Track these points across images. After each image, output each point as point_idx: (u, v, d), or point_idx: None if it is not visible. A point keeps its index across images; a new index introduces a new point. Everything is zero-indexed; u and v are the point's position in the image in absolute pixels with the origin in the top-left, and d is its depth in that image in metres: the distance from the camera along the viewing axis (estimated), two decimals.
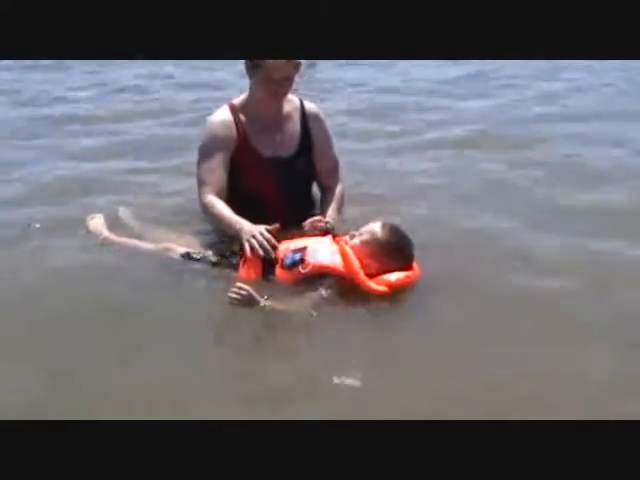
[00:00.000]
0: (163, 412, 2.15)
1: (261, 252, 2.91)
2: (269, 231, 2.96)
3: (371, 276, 2.85)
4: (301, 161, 3.39)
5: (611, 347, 2.49)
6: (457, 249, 3.24)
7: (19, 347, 2.53)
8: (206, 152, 3.31)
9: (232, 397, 2.28)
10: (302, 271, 2.86)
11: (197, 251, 3.09)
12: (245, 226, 3.02)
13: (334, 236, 3.03)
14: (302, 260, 2.88)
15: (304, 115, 3.43)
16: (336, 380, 2.31)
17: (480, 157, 4.53)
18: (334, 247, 2.93)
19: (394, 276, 2.86)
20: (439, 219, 3.57)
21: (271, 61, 3.12)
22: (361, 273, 2.83)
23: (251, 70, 3.21)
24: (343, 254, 2.87)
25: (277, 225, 2.98)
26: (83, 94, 6.40)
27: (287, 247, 2.96)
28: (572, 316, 2.71)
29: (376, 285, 2.82)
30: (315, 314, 2.70)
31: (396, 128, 5.20)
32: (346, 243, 2.93)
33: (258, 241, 2.92)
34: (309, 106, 3.47)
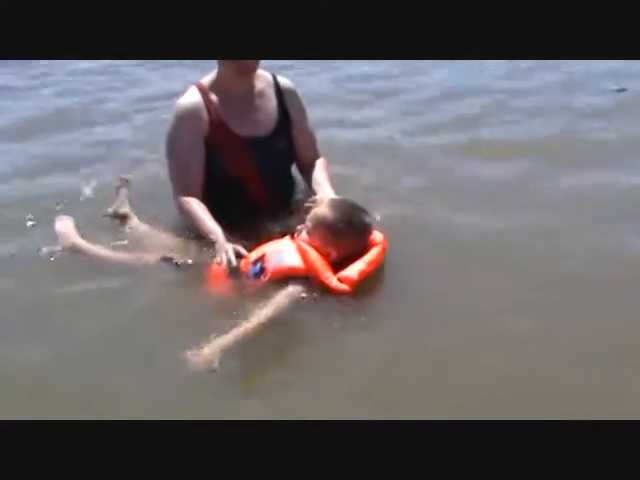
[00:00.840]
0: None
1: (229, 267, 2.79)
2: (245, 247, 2.86)
3: (338, 264, 2.73)
4: (280, 139, 3.28)
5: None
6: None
7: None
8: (177, 143, 3.18)
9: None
10: (264, 280, 2.73)
11: (174, 256, 2.92)
12: (220, 240, 2.91)
13: (292, 234, 2.88)
14: (263, 269, 2.75)
15: (279, 91, 3.32)
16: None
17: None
18: (293, 245, 2.78)
19: (355, 269, 2.70)
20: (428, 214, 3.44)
21: None
22: (322, 268, 2.68)
23: None
24: (301, 252, 2.73)
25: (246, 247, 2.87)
26: None
27: (247, 260, 2.82)
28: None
29: (339, 283, 2.67)
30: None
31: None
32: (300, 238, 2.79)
33: (228, 259, 2.81)
34: (283, 81, 3.36)
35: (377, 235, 2.85)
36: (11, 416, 2.08)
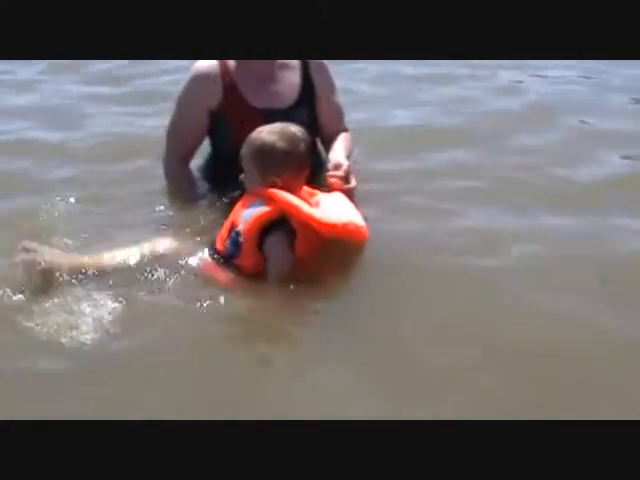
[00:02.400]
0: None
1: None
2: None
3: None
4: (300, 113, 3.11)
5: None
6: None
7: None
8: (182, 106, 3.16)
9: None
10: (243, 241, 2.61)
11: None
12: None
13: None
14: (237, 234, 2.63)
15: (305, 63, 3.20)
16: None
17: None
18: (254, 197, 2.68)
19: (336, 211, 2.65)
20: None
21: None
22: (298, 202, 2.58)
23: None
24: (266, 195, 2.61)
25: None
26: None
27: (220, 242, 2.71)
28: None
29: (322, 216, 2.57)
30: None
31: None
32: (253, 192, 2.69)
33: None
34: None
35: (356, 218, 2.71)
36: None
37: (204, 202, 3.15)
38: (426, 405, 2.17)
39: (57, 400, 2.22)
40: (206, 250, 2.76)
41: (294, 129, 2.70)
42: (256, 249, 2.63)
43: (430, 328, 2.49)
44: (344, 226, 2.63)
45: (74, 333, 2.44)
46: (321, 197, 2.82)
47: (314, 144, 3.18)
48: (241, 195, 2.81)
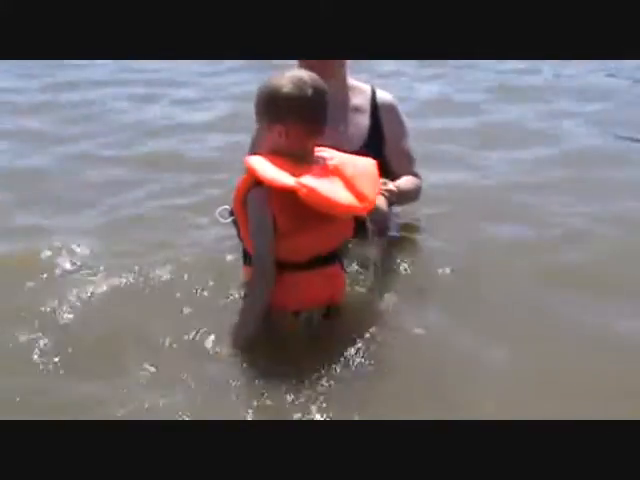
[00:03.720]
0: None
1: None
2: None
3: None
4: (369, 155, 2.94)
5: None
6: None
7: None
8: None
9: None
10: (236, 217, 2.52)
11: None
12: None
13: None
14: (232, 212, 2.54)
15: (375, 106, 3.15)
16: None
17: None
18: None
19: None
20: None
21: None
22: (274, 171, 2.40)
23: None
24: (250, 163, 2.46)
25: None
26: None
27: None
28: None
29: (300, 184, 2.36)
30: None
31: None
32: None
33: None
34: (382, 95, 3.18)
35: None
36: None
37: None
38: None
39: None
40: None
41: (305, 74, 2.51)
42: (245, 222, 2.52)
43: None
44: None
45: None
46: (338, 160, 2.59)
47: None
48: None
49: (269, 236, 2.45)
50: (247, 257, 2.61)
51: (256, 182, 2.45)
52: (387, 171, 3.06)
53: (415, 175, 3.22)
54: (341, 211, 2.47)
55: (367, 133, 3.13)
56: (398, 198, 2.98)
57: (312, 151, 2.58)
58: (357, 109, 3.15)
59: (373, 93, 3.18)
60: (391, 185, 2.91)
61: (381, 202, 2.78)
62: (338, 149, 2.84)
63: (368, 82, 3.26)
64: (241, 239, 2.59)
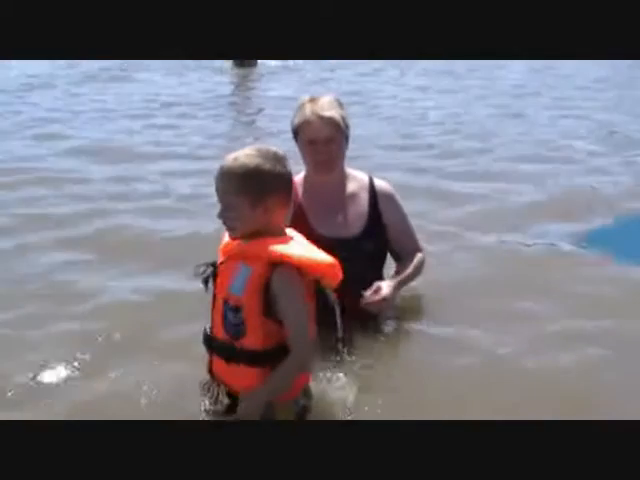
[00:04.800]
0: None
1: None
2: None
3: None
4: (367, 242, 3.15)
5: None
6: None
7: None
8: None
9: None
10: (245, 315, 2.34)
11: None
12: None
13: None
14: (236, 310, 2.35)
15: (374, 194, 3.24)
16: None
17: None
18: (232, 265, 2.40)
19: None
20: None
21: (303, 120, 3.02)
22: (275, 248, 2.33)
23: (296, 140, 3.10)
24: (243, 254, 2.38)
25: None
26: None
27: (217, 328, 2.44)
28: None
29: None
30: None
31: None
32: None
33: None
34: (379, 184, 3.28)
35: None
36: None
37: None
38: None
39: None
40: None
41: (272, 148, 2.45)
42: (262, 317, 2.36)
43: None
44: (332, 265, 2.44)
45: None
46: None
47: (380, 272, 3.24)
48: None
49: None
50: (244, 355, 2.39)
51: (273, 264, 2.33)
52: (390, 250, 3.27)
53: (417, 249, 3.34)
54: (326, 269, 2.43)
55: (366, 221, 3.20)
56: (398, 292, 3.12)
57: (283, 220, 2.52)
58: (355, 197, 3.23)
59: (371, 182, 3.27)
60: (384, 292, 3.01)
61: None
62: (339, 237, 3.02)
63: (364, 171, 3.34)
64: (244, 333, 2.38)
